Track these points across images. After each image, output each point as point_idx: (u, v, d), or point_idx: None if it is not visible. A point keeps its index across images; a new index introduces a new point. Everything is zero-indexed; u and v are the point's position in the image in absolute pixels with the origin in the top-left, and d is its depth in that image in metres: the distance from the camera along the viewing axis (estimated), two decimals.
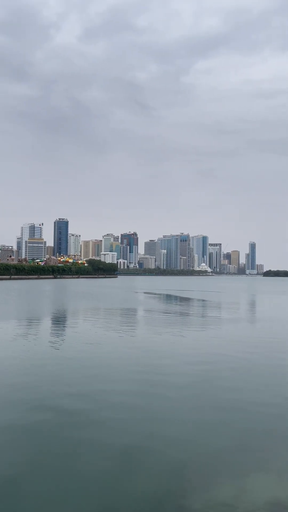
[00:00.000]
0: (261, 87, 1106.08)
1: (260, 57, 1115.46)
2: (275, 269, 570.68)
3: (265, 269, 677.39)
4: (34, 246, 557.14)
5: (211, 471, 10.48)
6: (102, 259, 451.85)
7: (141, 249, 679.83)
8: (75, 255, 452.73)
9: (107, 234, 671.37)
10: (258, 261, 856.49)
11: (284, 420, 13.89)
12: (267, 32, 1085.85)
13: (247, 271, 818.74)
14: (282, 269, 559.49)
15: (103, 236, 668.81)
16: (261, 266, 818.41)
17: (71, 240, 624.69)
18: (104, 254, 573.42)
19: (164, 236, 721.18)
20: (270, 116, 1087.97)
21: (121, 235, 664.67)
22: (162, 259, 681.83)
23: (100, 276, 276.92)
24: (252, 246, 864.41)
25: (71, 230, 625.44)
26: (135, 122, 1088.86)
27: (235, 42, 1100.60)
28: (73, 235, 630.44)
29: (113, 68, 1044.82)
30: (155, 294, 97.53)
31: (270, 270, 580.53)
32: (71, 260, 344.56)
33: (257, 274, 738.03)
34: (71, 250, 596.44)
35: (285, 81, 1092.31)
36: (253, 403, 15.42)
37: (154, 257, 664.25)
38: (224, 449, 11.69)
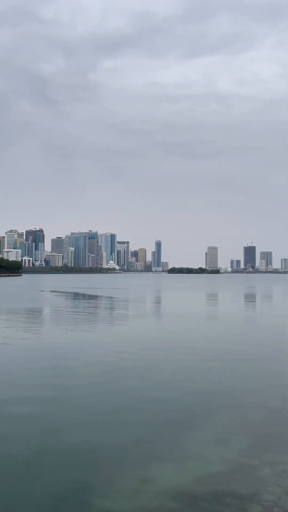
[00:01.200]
0: (166, 91, 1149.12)
1: (165, 61, 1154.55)
2: (179, 266, 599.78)
3: (170, 266, 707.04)
4: None
5: (113, 464, 10.56)
6: (5, 257, 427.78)
7: (47, 247, 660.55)
8: None
9: (11, 230, 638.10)
10: (163, 259, 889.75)
11: (185, 410, 14.59)
12: (172, 38, 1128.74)
13: (153, 269, 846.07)
14: (185, 266, 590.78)
15: (6, 232, 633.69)
16: (166, 263, 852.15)
17: None
18: (7, 252, 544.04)
19: (72, 233, 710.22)
20: (174, 120, 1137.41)
21: (26, 231, 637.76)
22: (70, 256, 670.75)
23: (2, 274, 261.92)
24: (158, 244, 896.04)
25: None
26: (41, 115, 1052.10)
27: (141, 44, 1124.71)
28: None
29: (17, 57, 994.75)
30: (62, 292, 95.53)
31: (174, 268, 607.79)
32: None
33: (163, 271, 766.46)
34: None
35: (188, 87, 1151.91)
36: (156, 397, 15.92)
37: (62, 254, 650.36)
38: (127, 441, 11.87)
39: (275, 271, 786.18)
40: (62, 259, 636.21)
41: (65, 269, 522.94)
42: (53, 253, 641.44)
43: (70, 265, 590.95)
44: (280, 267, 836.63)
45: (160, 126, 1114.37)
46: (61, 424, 13.02)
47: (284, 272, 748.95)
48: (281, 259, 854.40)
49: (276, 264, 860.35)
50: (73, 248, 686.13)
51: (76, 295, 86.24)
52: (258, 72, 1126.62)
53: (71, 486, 9.56)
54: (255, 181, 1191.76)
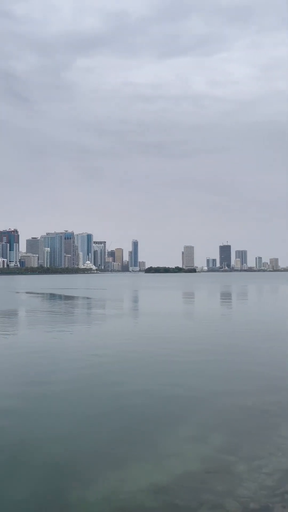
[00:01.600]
0: (141, 91, 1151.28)
1: (139, 61, 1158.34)
2: (156, 266, 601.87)
3: (147, 265, 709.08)
4: None
5: (90, 466, 10.50)
6: None
7: (22, 247, 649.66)
8: None
9: None
10: (140, 258, 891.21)
11: (162, 411, 14.64)
12: (145, 39, 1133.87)
13: (130, 268, 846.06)
14: (162, 266, 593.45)
15: None
16: (143, 263, 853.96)
17: None
18: None
19: (48, 234, 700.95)
20: (149, 120, 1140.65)
21: (0, 232, 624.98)
22: (45, 257, 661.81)
23: None
24: (135, 244, 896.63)
25: None
26: (14, 114, 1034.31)
27: (114, 44, 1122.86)
28: None
29: None
30: (38, 293, 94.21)
31: (151, 267, 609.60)
32: None
33: (140, 270, 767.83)
34: None
35: (162, 87, 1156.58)
36: (133, 398, 15.91)
37: (37, 255, 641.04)
38: (104, 443, 11.83)
39: (250, 270, 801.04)
40: (38, 260, 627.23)
41: (40, 270, 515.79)
42: (28, 254, 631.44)
43: (46, 266, 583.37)
44: (254, 265, 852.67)
45: (135, 126, 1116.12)
46: (36, 429, 12.85)
47: (259, 270, 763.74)
48: (256, 258, 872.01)
49: (250, 262, 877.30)
50: (48, 249, 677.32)
51: (52, 296, 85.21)
52: (230, 73, 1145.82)
53: (47, 490, 9.44)
54: (229, 181, 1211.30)
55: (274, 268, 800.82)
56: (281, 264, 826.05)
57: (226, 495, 9.16)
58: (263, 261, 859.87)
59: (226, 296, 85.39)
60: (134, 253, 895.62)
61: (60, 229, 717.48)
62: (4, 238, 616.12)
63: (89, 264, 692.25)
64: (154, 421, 13.46)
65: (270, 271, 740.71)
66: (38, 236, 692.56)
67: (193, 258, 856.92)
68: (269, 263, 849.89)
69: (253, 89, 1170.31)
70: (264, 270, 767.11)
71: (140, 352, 24.32)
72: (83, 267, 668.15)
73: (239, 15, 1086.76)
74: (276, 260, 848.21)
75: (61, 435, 12.30)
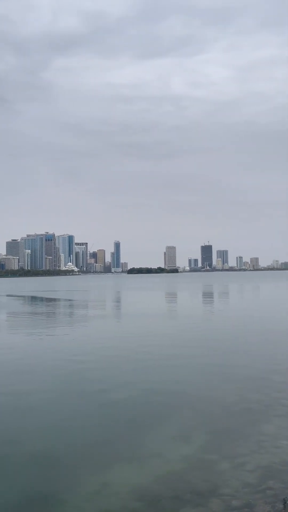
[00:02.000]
0: (121, 91, 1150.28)
1: (118, 62, 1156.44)
2: (138, 267, 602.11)
3: (129, 266, 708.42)
4: None
5: (72, 468, 10.42)
6: None
7: (2, 249, 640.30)
8: None
9: None
10: (122, 259, 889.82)
11: (145, 410, 14.64)
12: (124, 39, 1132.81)
13: (113, 269, 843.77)
14: (144, 267, 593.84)
15: None
16: (126, 264, 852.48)
17: None
18: None
19: (28, 236, 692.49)
20: (129, 120, 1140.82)
21: None
22: (26, 259, 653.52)
23: None
24: (117, 245, 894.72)
25: None
26: None
27: (93, 44, 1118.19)
28: None
29: None
30: (18, 296, 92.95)
31: (133, 268, 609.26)
32: None
33: (122, 271, 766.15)
34: None
35: (143, 88, 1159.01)
36: (115, 398, 15.87)
37: (18, 257, 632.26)
38: (86, 445, 11.76)
39: (231, 269, 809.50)
40: (18, 262, 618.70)
41: (21, 272, 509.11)
42: (8, 256, 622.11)
43: (26, 268, 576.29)
44: (235, 265, 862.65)
45: (115, 126, 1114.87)
46: (17, 432, 12.69)
47: (239, 270, 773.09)
48: (237, 257, 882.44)
49: (232, 262, 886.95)
50: (29, 251, 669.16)
51: (33, 299, 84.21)
52: (210, 74, 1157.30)
53: (29, 493, 9.32)
54: (209, 182, 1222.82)
55: (255, 268, 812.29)
56: (261, 264, 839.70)
57: (209, 494, 9.22)
58: (243, 260, 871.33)
59: (207, 296, 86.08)
60: (116, 254, 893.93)
61: (40, 231, 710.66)
62: None
63: (70, 266, 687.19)
64: (137, 422, 13.45)
65: (250, 270, 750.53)
66: (18, 238, 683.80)
67: (175, 259, 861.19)
68: (249, 263, 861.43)
69: (232, 91, 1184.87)
70: (245, 270, 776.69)
71: (121, 354, 24.28)
72: (65, 269, 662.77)
73: (217, 17, 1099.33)
74: (257, 259, 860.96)
75: (42, 438, 12.17)
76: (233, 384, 17.28)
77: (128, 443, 11.90)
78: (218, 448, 11.46)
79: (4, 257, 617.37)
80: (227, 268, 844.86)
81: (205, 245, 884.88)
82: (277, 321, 38.10)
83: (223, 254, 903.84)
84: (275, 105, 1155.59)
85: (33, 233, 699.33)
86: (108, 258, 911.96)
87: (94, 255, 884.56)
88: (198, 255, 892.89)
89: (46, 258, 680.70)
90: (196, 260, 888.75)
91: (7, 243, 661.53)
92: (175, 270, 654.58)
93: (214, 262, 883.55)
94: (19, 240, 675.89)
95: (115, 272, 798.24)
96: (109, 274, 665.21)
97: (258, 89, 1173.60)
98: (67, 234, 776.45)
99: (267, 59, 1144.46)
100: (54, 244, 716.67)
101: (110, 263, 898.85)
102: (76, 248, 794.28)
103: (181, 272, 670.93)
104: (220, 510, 8.65)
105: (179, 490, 9.41)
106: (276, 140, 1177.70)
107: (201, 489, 9.42)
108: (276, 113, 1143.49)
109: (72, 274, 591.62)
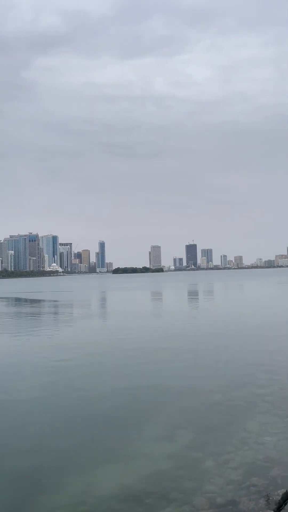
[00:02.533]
0: (103, 91, 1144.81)
1: (100, 61, 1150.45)
2: (123, 266, 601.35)
3: (114, 266, 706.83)
4: None
5: (57, 470, 10.33)
6: None
7: None
8: None
9: None
10: (107, 259, 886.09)
11: (129, 411, 14.63)
12: (106, 39, 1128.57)
13: (98, 269, 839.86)
14: (129, 266, 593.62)
15: None
16: (111, 264, 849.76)
17: None
18: None
19: (11, 236, 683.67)
20: (112, 120, 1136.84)
21: None
22: (9, 260, 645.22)
23: None
24: (102, 245, 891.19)
25: None
26: None
27: (75, 44, 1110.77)
28: None
29: None
30: (1, 298, 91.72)
31: (118, 268, 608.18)
32: None
33: (107, 271, 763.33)
34: None
35: (125, 88, 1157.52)
36: (100, 399, 15.81)
37: (1, 258, 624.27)
38: (70, 446, 11.68)
39: (216, 268, 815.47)
40: (1, 263, 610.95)
41: (4, 274, 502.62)
42: None
43: (10, 270, 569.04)
44: (220, 264, 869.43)
45: (98, 126, 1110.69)
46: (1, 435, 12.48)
47: (224, 268, 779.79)
48: (221, 256, 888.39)
49: (216, 260, 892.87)
50: (12, 252, 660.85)
51: (17, 300, 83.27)
52: (192, 74, 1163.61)
53: (12, 499, 9.21)
54: (193, 181, 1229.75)
55: (239, 266, 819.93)
56: (245, 262, 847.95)
57: (194, 492, 9.25)
58: (228, 259, 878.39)
59: (192, 295, 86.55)
60: (101, 254, 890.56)
61: (24, 232, 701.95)
62: None
63: (55, 267, 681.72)
64: (121, 423, 13.41)
65: (235, 268, 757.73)
66: (1, 239, 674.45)
67: (160, 258, 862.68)
68: (233, 261, 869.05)
69: (214, 90, 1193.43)
70: (229, 268, 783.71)
71: (105, 354, 24.19)
72: (49, 269, 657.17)
73: (199, 17, 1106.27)
74: (241, 258, 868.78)
75: (24, 441, 12.04)
76: (217, 381, 17.39)
77: (112, 444, 11.84)
78: (203, 446, 11.51)
79: None
80: (211, 267, 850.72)
81: (190, 244, 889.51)
82: (260, 317, 38.54)
83: (207, 253, 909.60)
84: (257, 105, 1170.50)
85: (16, 234, 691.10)
86: (93, 258, 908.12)
87: (78, 255, 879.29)
88: (183, 254, 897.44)
89: (30, 259, 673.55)
90: (181, 259, 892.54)
91: None
92: (160, 270, 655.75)
93: (199, 261, 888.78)
94: (2, 241, 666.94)
95: (100, 272, 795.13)
96: (94, 274, 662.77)
97: (240, 89, 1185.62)
98: (51, 234, 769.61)
99: (248, 59, 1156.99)
100: (38, 244, 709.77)
101: (95, 263, 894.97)
102: (61, 249, 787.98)
103: (166, 271, 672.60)
104: (205, 507, 8.69)
105: (164, 489, 9.42)
106: (258, 140, 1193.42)
107: (186, 487, 9.45)
108: (258, 113, 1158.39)
109: (57, 275, 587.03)
